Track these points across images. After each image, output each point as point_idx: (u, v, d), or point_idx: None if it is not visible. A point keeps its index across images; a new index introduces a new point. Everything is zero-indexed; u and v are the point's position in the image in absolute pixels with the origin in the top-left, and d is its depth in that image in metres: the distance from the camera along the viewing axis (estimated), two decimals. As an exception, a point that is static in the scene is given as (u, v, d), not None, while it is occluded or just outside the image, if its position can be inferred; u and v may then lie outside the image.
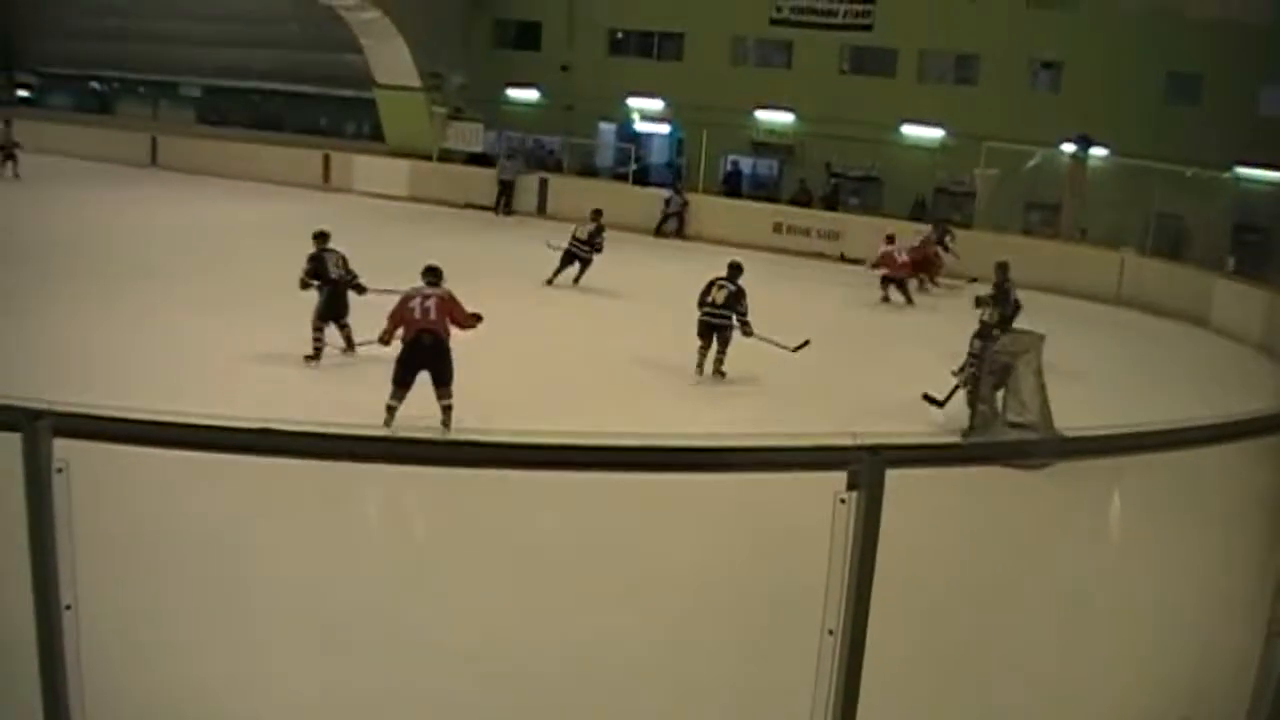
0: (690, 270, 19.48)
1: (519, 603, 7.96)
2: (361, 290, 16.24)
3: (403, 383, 13.00)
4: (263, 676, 6.80)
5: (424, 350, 13.05)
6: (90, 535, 3.13)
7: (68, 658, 3.01)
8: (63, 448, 2.89)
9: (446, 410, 12.97)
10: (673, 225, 33.42)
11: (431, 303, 13.21)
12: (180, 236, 26.65)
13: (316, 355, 15.89)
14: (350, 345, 16.19)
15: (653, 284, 23.92)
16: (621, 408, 14.79)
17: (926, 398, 15.09)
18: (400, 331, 13.33)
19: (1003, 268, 19.52)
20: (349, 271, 16.37)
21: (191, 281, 20.94)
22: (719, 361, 16.82)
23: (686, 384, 16.43)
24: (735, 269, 17.38)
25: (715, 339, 16.80)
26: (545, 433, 2.39)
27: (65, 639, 3.00)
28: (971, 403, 14.75)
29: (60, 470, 2.89)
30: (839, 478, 2.52)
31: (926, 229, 28.08)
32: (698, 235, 32.42)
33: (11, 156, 35.38)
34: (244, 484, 6.68)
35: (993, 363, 14.31)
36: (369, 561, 8.46)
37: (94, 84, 53.75)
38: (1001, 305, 17.38)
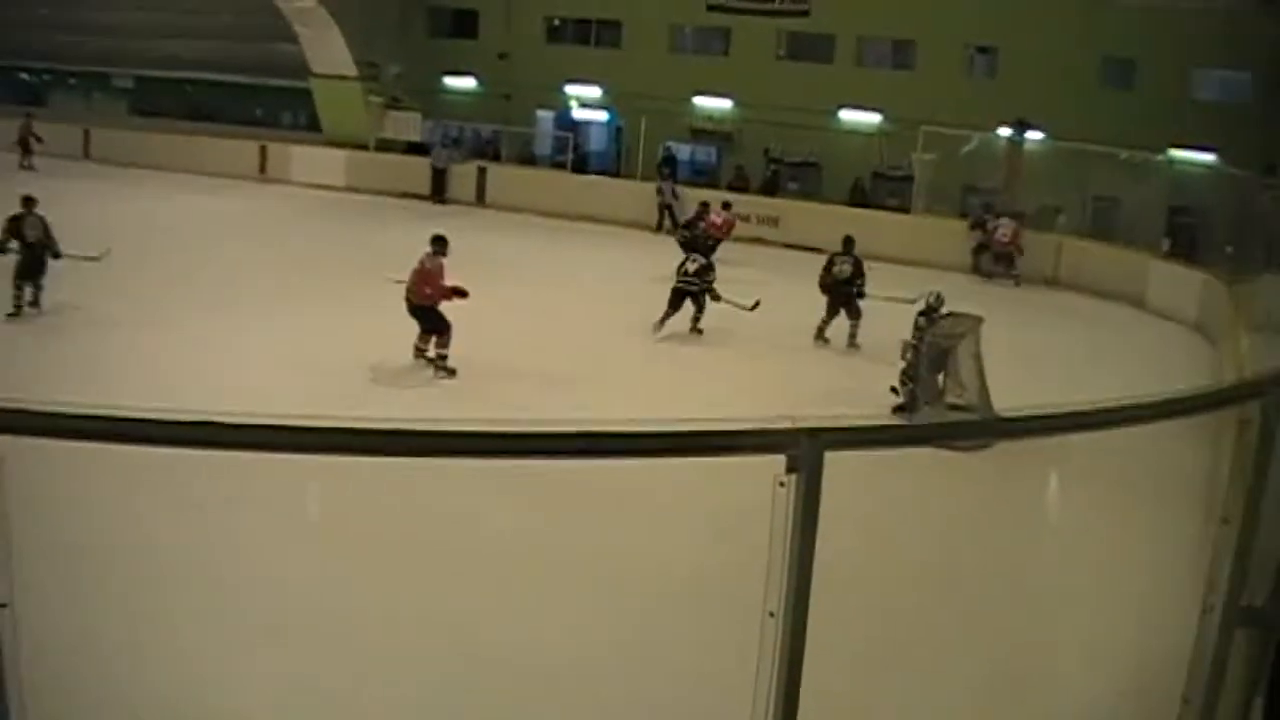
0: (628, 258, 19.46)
1: (465, 593, 7.95)
2: (57, 255, 17.74)
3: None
4: (209, 673, 6.77)
5: (410, 310, 15.76)
6: (27, 532, 3.09)
7: (5, 656, 2.97)
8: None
9: (440, 358, 15.74)
10: (668, 220, 32.66)
11: (410, 272, 15.84)
12: (113, 231, 26.34)
13: (16, 312, 17.14)
14: (18, 309, 17.20)
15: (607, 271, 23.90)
16: (572, 396, 14.80)
17: (894, 389, 15.07)
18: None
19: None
20: (48, 236, 17.66)
21: (124, 277, 20.70)
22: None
23: (634, 375, 16.40)
24: (850, 242, 19.70)
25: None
26: (484, 420, 2.38)
27: (3, 637, 2.96)
28: (905, 380, 14.89)
29: (-3, 464, 2.85)
30: (781, 461, 2.53)
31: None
32: (635, 222, 32.40)
33: (29, 149, 36.67)
34: (185, 478, 6.64)
35: (931, 347, 14.41)
36: (316, 556, 8.43)
37: (23, 75, 53.01)
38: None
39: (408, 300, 15.75)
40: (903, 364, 14.98)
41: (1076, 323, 23.03)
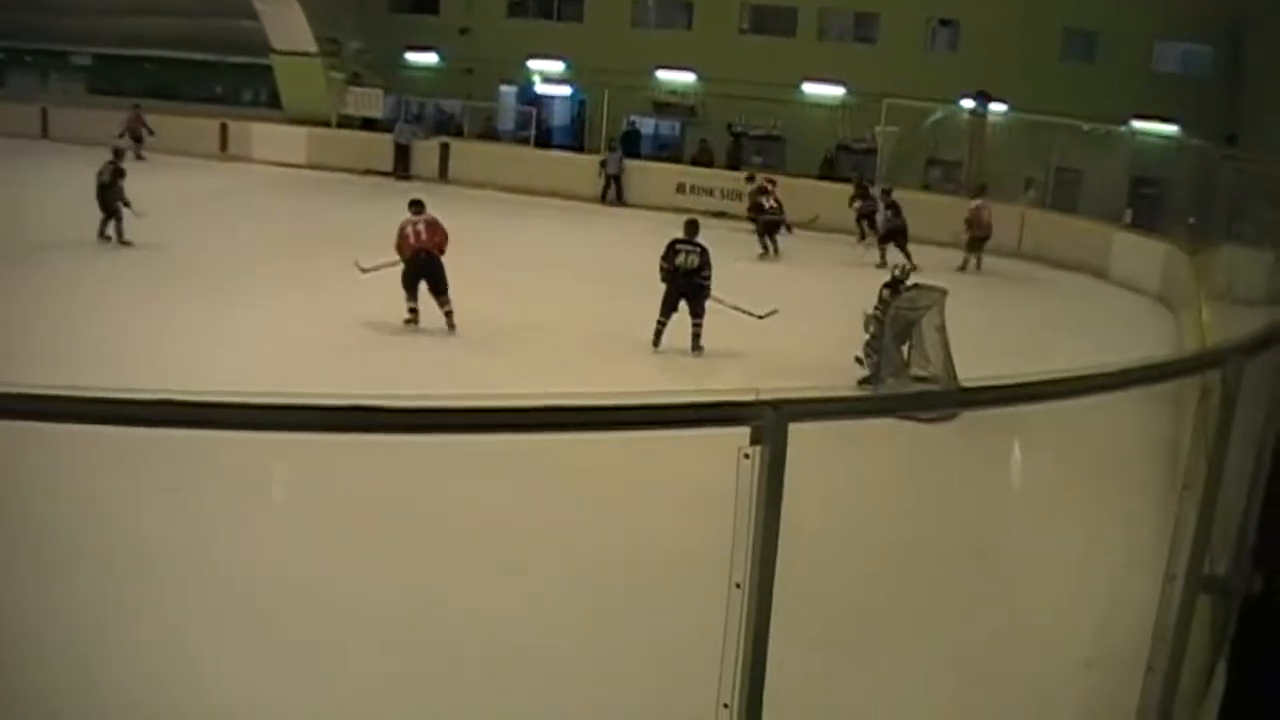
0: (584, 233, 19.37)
1: (434, 570, 7.95)
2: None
3: (412, 291, 16.52)
4: (183, 657, 6.75)
5: (421, 265, 16.46)
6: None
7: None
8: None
9: (448, 315, 16.57)
10: (613, 192, 33.22)
11: (422, 226, 16.68)
12: (73, 211, 26.18)
13: None
14: None
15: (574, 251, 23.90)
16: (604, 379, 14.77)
17: (859, 360, 15.11)
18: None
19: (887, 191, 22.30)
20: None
21: (89, 258, 20.63)
22: (697, 335, 16.28)
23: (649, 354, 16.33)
24: (694, 227, 16.83)
25: (689, 307, 16.27)
26: (452, 396, 2.37)
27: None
28: (870, 352, 14.84)
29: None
30: (735, 431, 2.54)
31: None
32: (598, 196, 32.44)
33: (138, 139, 35.14)
34: (158, 461, 6.60)
35: (895, 319, 14.45)
36: (283, 534, 8.41)
37: (-22, 54, 52.50)
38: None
39: (420, 254, 16.45)
40: (866, 336, 15.00)
41: (1039, 293, 23.17)
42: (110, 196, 22.03)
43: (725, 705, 2.65)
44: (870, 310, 15.08)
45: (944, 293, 14.53)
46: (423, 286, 16.60)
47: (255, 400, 2.44)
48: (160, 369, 12.66)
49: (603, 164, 33.21)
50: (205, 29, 42.31)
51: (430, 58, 40.74)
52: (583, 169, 33.32)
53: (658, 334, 16.33)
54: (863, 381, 14.63)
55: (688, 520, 8.05)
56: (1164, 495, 6.64)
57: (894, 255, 22.22)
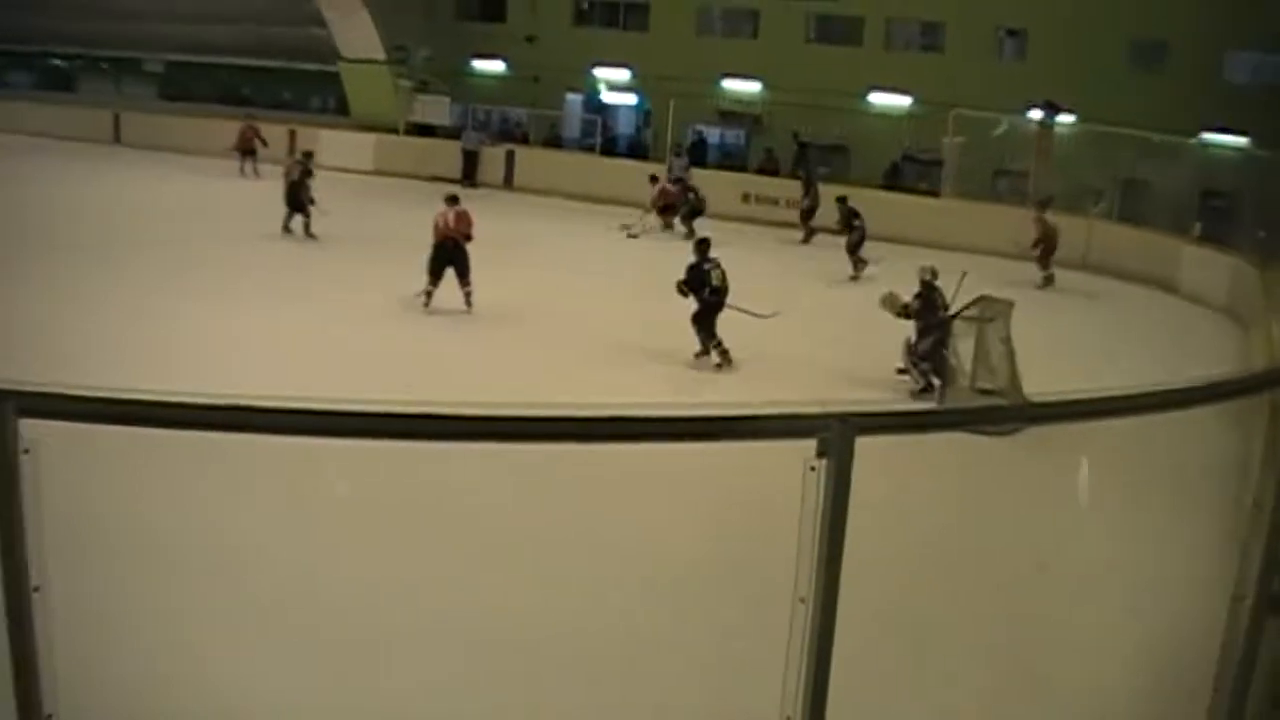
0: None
1: (498, 578, 7.97)
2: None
3: (434, 275, 18.24)
4: (229, 657, 6.80)
5: (448, 251, 18.33)
6: (58, 516, 3.11)
7: (37, 639, 2.99)
8: (29, 428, 2.86)
9: (467, 295, 18.29)
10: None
11: (451, 216, 18.60)
12: (145, 214, 26.54)
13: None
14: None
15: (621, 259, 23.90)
16: (603, 387, 14.80)
17: (901, 370, 15.17)
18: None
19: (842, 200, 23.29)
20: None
21: (158, 260, 20.85)
22: (722, 349, 16.24)
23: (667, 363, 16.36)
24: (709, 244, 16.88)
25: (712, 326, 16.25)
26: (513, 404, 2.38)
27: (34, 620, 2.98)
28: (914, 362, 15.12)
29: (27, 451, 2.87)
30: (811, 445, 2.52)
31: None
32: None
33: (253, 152, 34.53)
34: (215, 462, 6.66)
35: (928, 319, 14.98)
36: (340, 540, 8.45)
37: (55, 61, 53.20)
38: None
39: (447, 242, 18.35)
40: (914, 343, 15.17)
41: (1105, 307, 22.95)
42: (299, 194, 24.08)
43: (788, 718, 2.65)
44: (888, 295, 15.54)
45: (1010, 304, 14.44)
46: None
47: (322, 408, 2.47)
48: (184, 372, 12.80)
49: (668, 170, 33.12)
50: (275, 36, 42.71)
51: (497, 65, 40.87)
52: (647, 176, 33.32)
53: (725, 352, 16.11)
54: (920, 393, 14.80)
55: (750, 531, 8.04)
56: (1232, 513, 6.55)
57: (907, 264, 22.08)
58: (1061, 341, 17.74)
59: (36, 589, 2.98)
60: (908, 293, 15.31)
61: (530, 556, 8.34)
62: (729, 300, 16.39)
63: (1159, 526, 9.85)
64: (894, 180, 33.75)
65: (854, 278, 23.77)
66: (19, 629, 2.96)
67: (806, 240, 28.00)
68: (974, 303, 14.68)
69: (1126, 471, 10.35)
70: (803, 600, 2.55)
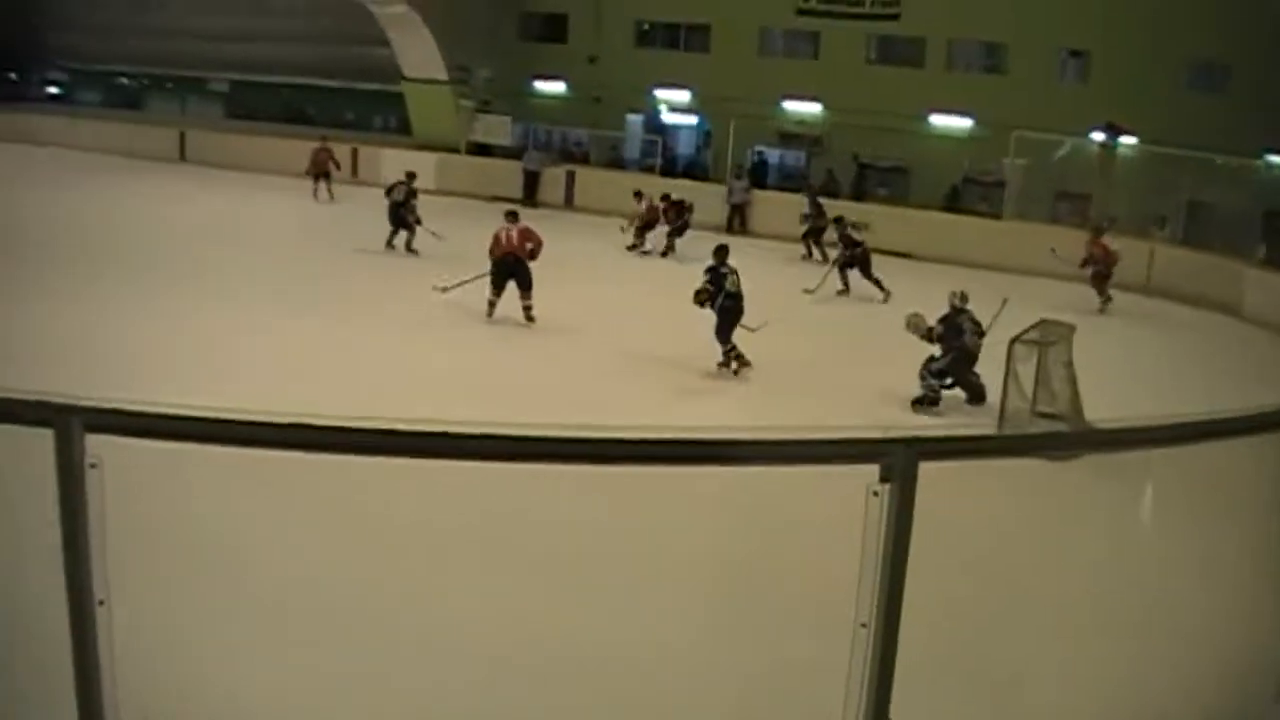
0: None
1: (545, 597, 7.97)
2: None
3: (497, 288, 18.92)
4: (289, 673, 6.82)
5: (509, 266, 18.86)
6: (122, 530, 3.14)
7: (100, 651, 3.02)
8: (95, 443, 2.90)
9: (527, 309, 18.87)
10: (738, 221, 32.88)
11: (514, 232, 19.08)
12: (210, 232, 26.80)
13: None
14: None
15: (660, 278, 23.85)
16: (645, 404, 14.83)
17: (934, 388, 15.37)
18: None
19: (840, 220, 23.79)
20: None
21: (222, 277, 21.07)
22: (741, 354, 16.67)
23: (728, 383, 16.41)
24: (726, 251, 17.38)
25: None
26: (568, 426, 2.38)
27: (98, 633, 3.01)
28: (923, 375, 15.42)
29: (93, 466, 2.90)
30: (867, 469, 2.51)
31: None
32: (723, 226, 32.29)
33: (327, 176, 33.83)
34: (275, 479, 6.70)
35: (951, 342, 15.31)
36: (398, 560, 8.47)
37: (123, 79, 53.97)
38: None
39: (508, 257, 18.87)
40: (931, 361, 15.48)
41: (1168, 331, 22.73)
42: (403, 213, 24.87)
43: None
44: (913, 315, 15.75)
45: (1071, 328, 14.33)
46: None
47: (381, 427, 2.48)
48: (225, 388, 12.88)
49: (728, 193, 33.17)
50: (338, 56, 43.17)
51: (558, 86, 41.04)
52: (708, 197, 33.25)
53: (740, 357, 16.55)
54: (917, 401, 15.37)
55: (812, 556, 8.01)
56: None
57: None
58: (1123, 366, 17.57)
59: (101, 602, 3.01)
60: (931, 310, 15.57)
61: (584, 578, 8.33)
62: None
63: (1223, 558, 9.72)
64: (954, 202, 33.59)
65: (841, 292, 23.81)
66: (83, 641, 2.99)
67: (809, 258, 27.74)
68: (1035, 326, 14.59)
69: (1191, 501, 10.23)
70: (864, 625, 2.54)
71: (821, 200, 29.70)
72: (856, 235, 24.16)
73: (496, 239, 19.11)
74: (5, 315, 16.87)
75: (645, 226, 28.03)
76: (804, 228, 28.80)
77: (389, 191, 25.46)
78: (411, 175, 25.81)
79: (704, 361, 16.61)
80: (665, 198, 28.87)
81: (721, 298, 16.55)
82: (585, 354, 17.27)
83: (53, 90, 56.36)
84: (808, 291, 21.01)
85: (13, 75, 56.11)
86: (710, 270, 16.88)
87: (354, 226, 27.65)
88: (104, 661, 3.04)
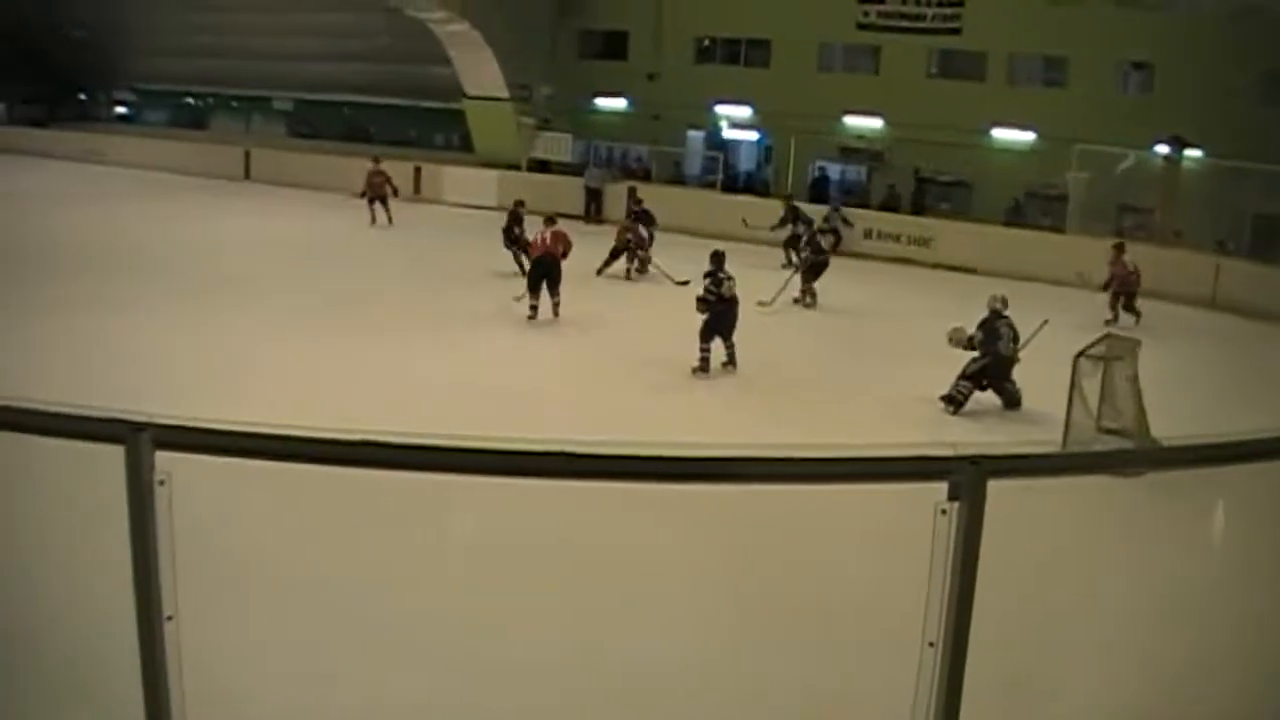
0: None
1: (601, 618, 7.96)
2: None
3: (534, 289, 20.54)
4: (357, 689, 6.85)
5: (545, 266, 20.59)
6: (191, 547, 3.16)
7: (169, 668, 3.04)
8: (164, 460, 2.92)
9: (555, 305, 20.66)
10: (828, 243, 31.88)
11: (549, 235, 20.94)
12: (275, 249, 27.07)
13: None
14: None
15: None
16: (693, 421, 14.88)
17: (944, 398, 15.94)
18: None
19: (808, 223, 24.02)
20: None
21: (287, 294, 21.27)
22: (733, 354, 17.66)
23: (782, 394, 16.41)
24: (723, 257, 18.26)
25: (723, 331, 17.53)
26: (625, 444, 2.38)
27: (166, 649, 3.03)
28: (996, 391, 15.99)
29: (162, 482, 2.92)
30: (932, 486, 2.49)
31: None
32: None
33: (382, 199, 32.52)
34: (343, 497, 6.74)
35: (989, 347, 15.82)
36: (466, 580, 8.48)
37: (189, 99, 54.59)
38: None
39: (545, 259, 20.59)
40: (970, 364, 15.90)
41: (1235, 346, 22.46)
42: (515, 233, 24.98)
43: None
44: (955, 330, 16.27)
45: (1136, 343, 14.21)
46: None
47: (449, 444, 2.48)
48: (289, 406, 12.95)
49: (825, 218, 32.15)
50: (400, 75, 43.44)
51: (619, 103, 41.15)
52: (770, 214, 33.18)
53: (705, 361, 17.34)
54: (945, 400, 15.95)
55: (877, 573, 7.97)
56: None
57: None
58: (1189, 382, 17.40)
59: (169, 618, 3.03)
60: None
61: (642, 597, 8.32)
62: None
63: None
64: (1016, 217, 33.37)
65: (789, 264, 25.08)
66: (151, 658, 3.01)
67: (789, 265, 26.93)
68: (1099, 341, 14.49)
69: (1259, 520, 10.10)
70: (932, 644, 2.52)
71: (845, 210, 30.65)
72: (824, 244, 24.47)
73: (532, 242, 21.40)
74: (68, 331, 17.10)
75: (618, 252, 26.63)
76: (784, 236, 28.75)
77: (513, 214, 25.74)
78: (520, 203, 26.22)
79: (781, 376, 16.65)
80: (632, 193, 28.96)
81: (715, 301, 17.41)
82: (645, 367, 17.30)
83: (121, 110, 57.17)
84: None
85: (82, 95, 56.97)
86: (709, 275, 17.79)
87: (419, 244, 27.86)
88: (173, 678, 3.06)
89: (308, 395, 14.13)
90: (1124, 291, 23.72)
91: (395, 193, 32.88)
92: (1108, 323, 22.09)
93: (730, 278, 17.75)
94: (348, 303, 20.86)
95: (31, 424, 2.99)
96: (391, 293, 22.43)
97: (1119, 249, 24.26)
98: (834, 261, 24.80)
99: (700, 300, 17.56)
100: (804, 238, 24.76)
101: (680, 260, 27.12)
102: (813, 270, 23.52)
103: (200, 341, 17.27)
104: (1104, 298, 23.48)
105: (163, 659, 3.02)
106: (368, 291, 22.23)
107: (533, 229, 22.49)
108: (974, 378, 15.77)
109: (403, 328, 19.08)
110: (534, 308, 20.56)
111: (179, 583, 3.05)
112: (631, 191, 30.23)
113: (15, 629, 5.21)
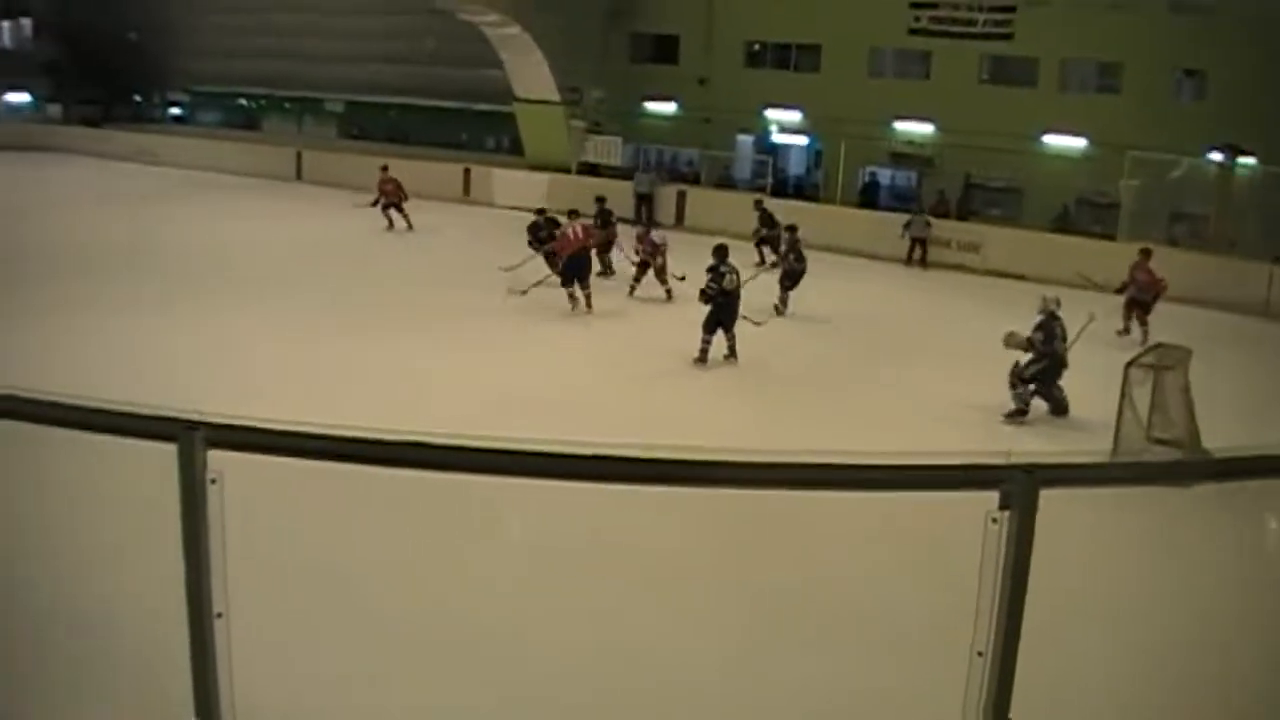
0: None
1: (655, 623, 7.96)
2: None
3: (571, 282, 21.49)
4: (405, 691, 6.87)
5: (580, 260, 21.67)
6: (241, 545, 3.18)
7: (219, 664, 3.06)
8: (216, 458, 2.94)
9: (587, 297, 21.60)
10: (918, 253, 31.27)
11: (579, 228, 22.08)
12: (326, 249, 27.24)
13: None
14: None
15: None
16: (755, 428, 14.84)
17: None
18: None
19: (792, 229, 23.51)
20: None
21: (338, 294, 21.42)
22: (734, 346, 18.42)
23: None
24: (726, 250, 18.85)
25: (724, 324, 18.23)
26: (674, 449, 2.38)
27: (216, 646, 3.05)
28: (1015, 383, 15.88)
29: (214, 481, 2.94)
30: (982, 495, 2.48)
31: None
32: (836, 248, 32.02)
33: (396, 205, 32.10)
34: (391, 497, 6.76)
35: (1045, 348, 15.74)
36: (516, 582, 8.48)
37: (242, 101, 55.07)
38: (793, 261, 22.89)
39: (581, 250, 21.75)
40: (1022, 365, 15.84)
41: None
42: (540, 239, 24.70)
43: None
44: (1010, 334, 15.97)
45: (1188, 353, 14.08)
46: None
47: (499, 447, 2.49)
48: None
49: (907, 225, 31.87)
50: (451, 78, 43.68)
51: (669, 107, 41.15)
52: (819, 218, 33.04)
53: (704, 353, 18.09)
54: (1012, 415, 15.85)
55: (923, 580, 7.93)
56: None
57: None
58: (1243, 391, 17.25)
59: (219, 615, 3.05)
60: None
61: (693, 602, 8.31)
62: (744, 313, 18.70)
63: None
64: (1065, 223, 33.11)
65: (772, 264, 24.81)
66: (201, 654, 3.04)
67: (761, 263, 26.53)
68: (1151, 350, 14.39)
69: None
70: (981, 654, 2.51)
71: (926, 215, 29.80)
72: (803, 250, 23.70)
73: (566, 237, 21.98)
74: (120, 330, 17.27)
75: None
76: (757, 236, 29.01)
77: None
78: (540, 211, 26.10)
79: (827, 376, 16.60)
80: (600, 203, 27.56)
81: (716, 293, 18.00)
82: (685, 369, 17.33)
83: (175, 111, 57.79)
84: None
85: (136, 97, 57.60)
86: (711, 270, 18.33)
87: (470, 247, 27.96)
88: (222, 675, 3.08)
89: (359, 397, 14.21)
90: (1141, 299, 22.54)
91: (405, 196, 32.20)
92: (1119, 333, 21.70)
93: (733, 271, 18.42)
94: (396, 306, 20.97)
95: (86, 421, 3.02)
96: (433, 294, 22.49)
97: (1145, 254, 23.16)
98: (885, 269, 24.76)
99: (702, 293, 18.17)
100: (786, 243, 23.97)
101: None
102: (789, 277, 23.03)
103: (267, 343, 17.42)
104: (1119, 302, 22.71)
105: (213, 655, 3.04)
106: (411, 294, 22.33)
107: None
108: (1033, 380, 15.72)
109: (450, 330, 19.17)
110: (573, 297, 21.49)
111: (230, 580, 3.07)
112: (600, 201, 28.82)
113: (68, 625, 5.26)
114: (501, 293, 22.21)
